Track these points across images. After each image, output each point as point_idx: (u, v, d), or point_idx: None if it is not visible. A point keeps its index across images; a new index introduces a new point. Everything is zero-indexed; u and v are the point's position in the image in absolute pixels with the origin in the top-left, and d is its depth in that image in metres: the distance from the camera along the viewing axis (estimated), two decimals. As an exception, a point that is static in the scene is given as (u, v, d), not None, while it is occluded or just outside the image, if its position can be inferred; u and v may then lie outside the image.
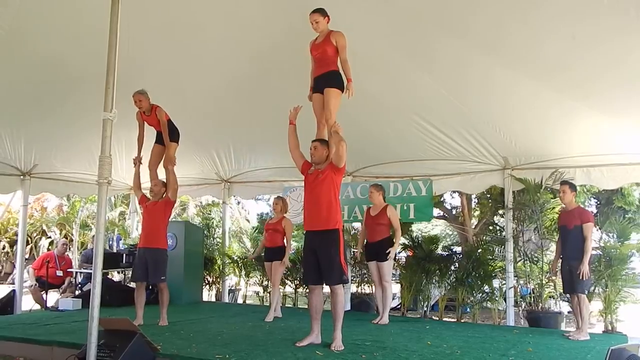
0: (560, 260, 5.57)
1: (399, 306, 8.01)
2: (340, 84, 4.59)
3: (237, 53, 5.73)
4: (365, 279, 8.00)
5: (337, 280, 4.41)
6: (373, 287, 6.88)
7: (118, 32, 3.78)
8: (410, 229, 8.14)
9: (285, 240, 6.47)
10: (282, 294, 7.94)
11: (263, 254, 6.80)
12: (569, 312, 7.09)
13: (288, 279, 8.47)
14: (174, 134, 6.03)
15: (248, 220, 17.76)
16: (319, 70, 4.68)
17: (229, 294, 9.50)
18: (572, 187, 5.53)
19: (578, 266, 5.16)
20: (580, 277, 5.15)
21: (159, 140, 6.09)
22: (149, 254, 5.68)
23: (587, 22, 4.39)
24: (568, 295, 5.73)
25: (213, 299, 9.40)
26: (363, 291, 8.07)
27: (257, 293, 9.22)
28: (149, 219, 5.96)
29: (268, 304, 8.74)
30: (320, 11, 4.54)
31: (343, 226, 7.70)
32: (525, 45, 4.87)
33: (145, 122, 6.05)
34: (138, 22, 4.95)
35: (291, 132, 4.69)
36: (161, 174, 6.18)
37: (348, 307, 7.80)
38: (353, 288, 8.23)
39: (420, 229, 10.28)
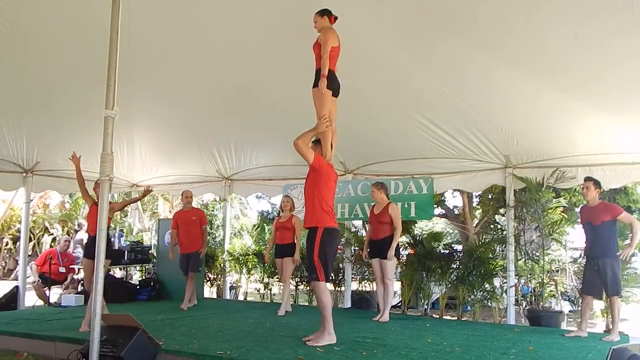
0: (585, 259, 5.50)
1: (400, 304, 8.02)
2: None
3: (240, 53, 5.73)
4: (366, 276, 8.01)
5: (311, 277, 4.53)
6: (374, 284, 6.89)
7: (119, 28, 3.78)
8: (412, 226, 8.14)
9: (295, 237, 6.63)
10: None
11: (273, 251, 6.91)
12: (570, 311, 7.09)
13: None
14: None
15: (249, 218, 17.78)
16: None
17: (230, 291, 9.54)
18: (596, 183, 5.42)
19: (609, 264, 5.09)
20: (624, 258, 5.11)
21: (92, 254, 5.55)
22: (191, 255, 7.09)
23: (590, 20, 4.37)
24: (579, 295, 5.62)
25: (214, 296, 9.43)
26: (363, 289, 8.08)
27: (258, 290, 9.25)
28: (185, 227, 7.15)
29: (269, 301, 8.80)
30: (319, 12, 4.58)
31: (345, 225, 7.82)
32: (527, 43, 4.86)
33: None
34: (140, 19, 4.97)
35: None
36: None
37: (348, 305, 7.83)
38: (354, 285, 8.25)
39: (421, 227, 10.27)
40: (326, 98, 4.47)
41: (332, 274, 7.80)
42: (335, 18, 4.60)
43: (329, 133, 4.57)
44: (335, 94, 4.61)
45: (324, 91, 4.40)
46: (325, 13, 4.57)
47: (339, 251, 7.44)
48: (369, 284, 7.94)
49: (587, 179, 5.50)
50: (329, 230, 4.45)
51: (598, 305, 6.56)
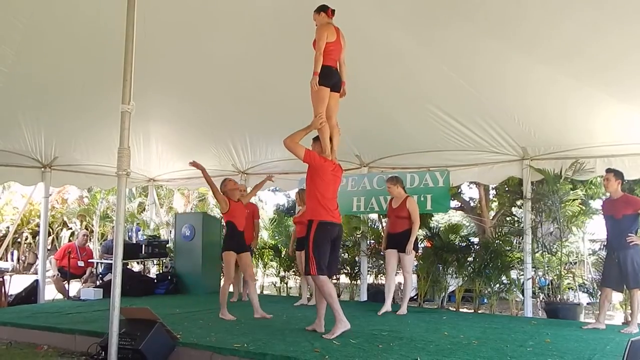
0: (606, 251, 5.41)
1: (416, 297, 8.01)
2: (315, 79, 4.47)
3: (251, 44, 5.72)
4: (382, 270, 7.99)
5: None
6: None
7: (135, 24, 3.81)
8: (430, 220, 8.09)
9: None
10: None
11: (295, 245, 7.01)
12: (588, 304, 7.01)
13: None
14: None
15: (266, 211, 17.83)
16: None
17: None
18: (617, 174, 5.28)
19: (629, 256, 4.99)
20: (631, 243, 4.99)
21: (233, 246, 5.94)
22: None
23: (607, 4, 4.26)
24: (598, 287, 5.55)
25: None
26: (379, 282, 8.07)
27: (274, 283, 9.30)
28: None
29: (285, 294, 8.84)
30: (316, 9, 4.52)
31: (361, 218, 7.81)
32: (541, 29, 4.74)
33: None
34: (153, 15, 4.99)
35: None
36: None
37: (364, 298, 7.83)
38: (369, 279, 8.24)
39: (437, 220, 10.23)
40: (322, 95, 4.43)
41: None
42: (333, 11, 4.51)
43: (326, 129, 4.55)
44: (336, 89, 4.56)
45: (316, 88, 4.37)
46: (321, 9, 4.51)
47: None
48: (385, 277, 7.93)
49: (608, 170, 5.40)
50: (322, 224, 4.46)
51: (617, 297, 6.47)
